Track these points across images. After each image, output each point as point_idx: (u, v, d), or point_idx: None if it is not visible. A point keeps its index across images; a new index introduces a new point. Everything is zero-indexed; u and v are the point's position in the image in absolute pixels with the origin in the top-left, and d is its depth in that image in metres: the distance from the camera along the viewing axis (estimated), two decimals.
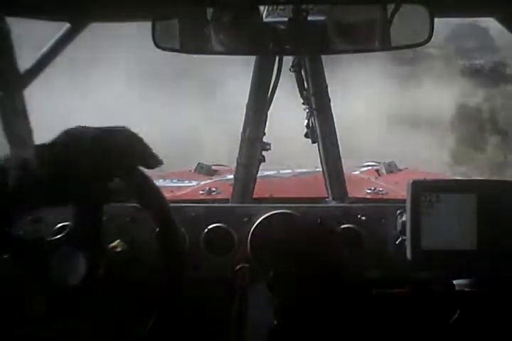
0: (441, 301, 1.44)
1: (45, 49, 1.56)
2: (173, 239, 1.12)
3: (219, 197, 1.75)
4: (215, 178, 2.26)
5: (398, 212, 1.40)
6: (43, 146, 1.04)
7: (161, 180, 2.10)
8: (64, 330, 1.07)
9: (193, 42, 1.37)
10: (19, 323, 1.06)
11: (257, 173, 1.58)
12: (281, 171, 2.34)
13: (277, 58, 1.44)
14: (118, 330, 1.16)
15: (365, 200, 1.66)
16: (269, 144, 1.54)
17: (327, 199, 1.62)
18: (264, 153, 1.55)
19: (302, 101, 1.51)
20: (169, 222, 1.12)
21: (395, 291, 1.46)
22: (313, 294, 1.40)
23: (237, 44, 1.37)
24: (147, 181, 1.12)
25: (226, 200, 1.60)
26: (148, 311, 1.12)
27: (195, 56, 1.39)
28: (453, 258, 1.34)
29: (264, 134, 1.54)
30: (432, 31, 1.25)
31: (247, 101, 1.52)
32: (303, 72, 1.46)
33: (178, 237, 1.15)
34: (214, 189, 1.85)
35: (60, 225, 1.38)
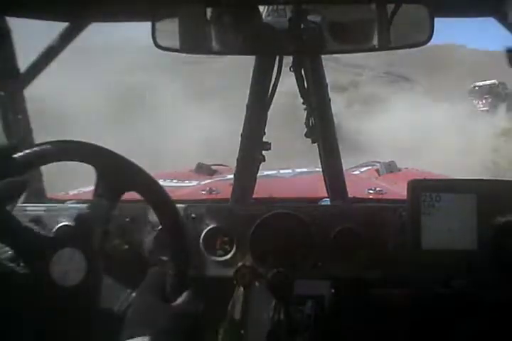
0: (441, 301, 1.44)
1: (45, 49, 1.56)
2: (180, 234, 1.12)
3: (219, 197, 1.75)
4: (215, 178, 2.26)
5: (398, 212, 1.40)
6: None
7: (161, 180, 2.10)
8: (64, 330, 1.07)
9: (192, 42, 1.37)
10: (20, 323, 1.06)
11: (257, 173, 1.58)
12: (281, 171, 2.34)
13: (277, 58, 1.44)
14: (118, 330, 1.16)
15: (365, 200, 1.66)
16: (269, 144, 1.54)
17: (327, 199, 1.62)
18: (264, 153, 1.55)
19: (302, 101, 1.51)
20: (176, 218, 1.12)
21: (395, 291, 1.46)
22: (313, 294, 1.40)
23: (237, 44, 1.37)
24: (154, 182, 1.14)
25: (226, 200, 1.60)
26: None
27: None
28: (453, 258, 1.34)
29: (264, 134, 1.53)
30: (432, 31, 1.25)
31: (247, 101, 1.52)
32: (303, 72, 1.46)
33: (183, 232, 1.14)
34: (214, 189, 1.85)
35: (60, 225, 1.38)
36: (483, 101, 18.53)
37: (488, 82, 19.19)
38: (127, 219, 1.41)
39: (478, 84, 19.21)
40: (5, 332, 1.02)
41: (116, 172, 1.08)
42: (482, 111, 17.63)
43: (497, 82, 19.13)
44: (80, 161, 1.05)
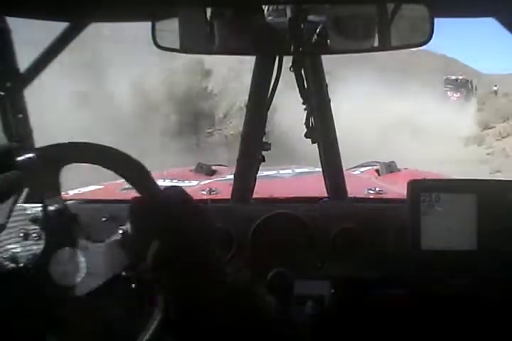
0: (441, 301, 1.44)
1: (45, 49, 1.56)
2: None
3: (219, 197, 1.75)
4: (215, 178, 2.26)
5: (398, 212, 1.40)
6: None
7: (161, 180, 2.10)
8: (65, 329, 1.07)
9: (193, 42, 1.37)
10: (20, 323, 1.06)
11: (256, 173, 1.58)
12: (281, 171, 2.34)
13: (277, 58, 1.44)
14: (118, 330, 1.16)
15: (365, 200, 1.66)
16: (269, 144, 1.54)
17: (327, 200, 1.62)
18: (264, 153, 1.55)
19: (302, 101, 1.51)
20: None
21: (395, 291, 1.46)
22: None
23: (237, 44, 1.37)
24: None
25: (226, 200, 1.60)
26: (149, 310, 1.12)
27: None
28: (453, 258, 1.34)
29: (264, 134, 1.54)
30: (432, 31, 1.25)
31: (247, 101, 1.52)
32: (303, 72, 1.46)
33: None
34: (214, 189, 1.85)
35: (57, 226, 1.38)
36: (458, 94, 20.63)
37: (461, 77, 21.57)
38: (127, 220, 1.41)
39: (450, 77, 21.62)
40: (5, 332, 1.02)
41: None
42: (460, 102, 19.39)
43: (470, 79, 21.73)
44: None
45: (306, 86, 1.47)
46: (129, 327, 1.00)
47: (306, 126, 1.53)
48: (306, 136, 1.54)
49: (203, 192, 1.85)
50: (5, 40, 1.48)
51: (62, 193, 1.87)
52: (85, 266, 1.05)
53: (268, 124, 1.53)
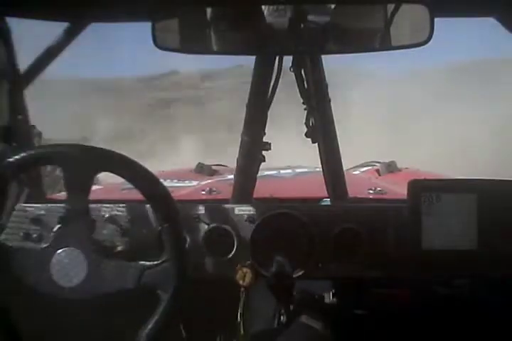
0: (441, 301, 1.44)
1: (45, 49, 1.56)
2: (179, 236, 1.13)
3: (219, 197, 1.75)
4: (215, 178, 2.26)
5: (398, 212, 1.40)
6: None
7: (161, 180, 2.09)
8: (65, 329, 1.07)
9: (193, 42, 1.37)
10: (21, 323, 1.06)
11: (257, 173, 1.58)
12: (281, 171, 2.34)
13: (277, 58, 1.44)
14: (119, 330, 1.16)
15: (365, 200, 1.66)
16: (269, 144, 1.54)
17: (327, 200, 1.62)
18: (264, 153, 1.55)
19: (302, 101, 1.51)
20: (176, 220, 1.13)
21: (395, 291, 1.46)
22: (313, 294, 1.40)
23: (237, 44, 1.37)
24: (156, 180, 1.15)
25: (226, 200, 1.60)
26: (149, 311, 1.12)
27: None
28: (453, 258, 1.34)
29: (265, 134, 1.54)
30: (432, 31, 1.25)
31: (247, 101, 1.52)
32: (303, 72, 1.46)
33: (182, 235, 1.16)
34: (214, 189, 1.85)
35: (60, 225, 1.38)
36: None
37: None
38: (127, 220, 1.41)
39: None
40: (6, 331, 1.02)
41: (77, 160, 1.08)
42: None
43: None
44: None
45: (306, 86, 1.47)
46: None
47: (306, 126, 1.53)
48: (307, 135, 1.54)
49: (203, 192, 1.85)
50: (5, 40, 1.48)
51: (62, 193, 1.87)
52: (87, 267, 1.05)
53: None
